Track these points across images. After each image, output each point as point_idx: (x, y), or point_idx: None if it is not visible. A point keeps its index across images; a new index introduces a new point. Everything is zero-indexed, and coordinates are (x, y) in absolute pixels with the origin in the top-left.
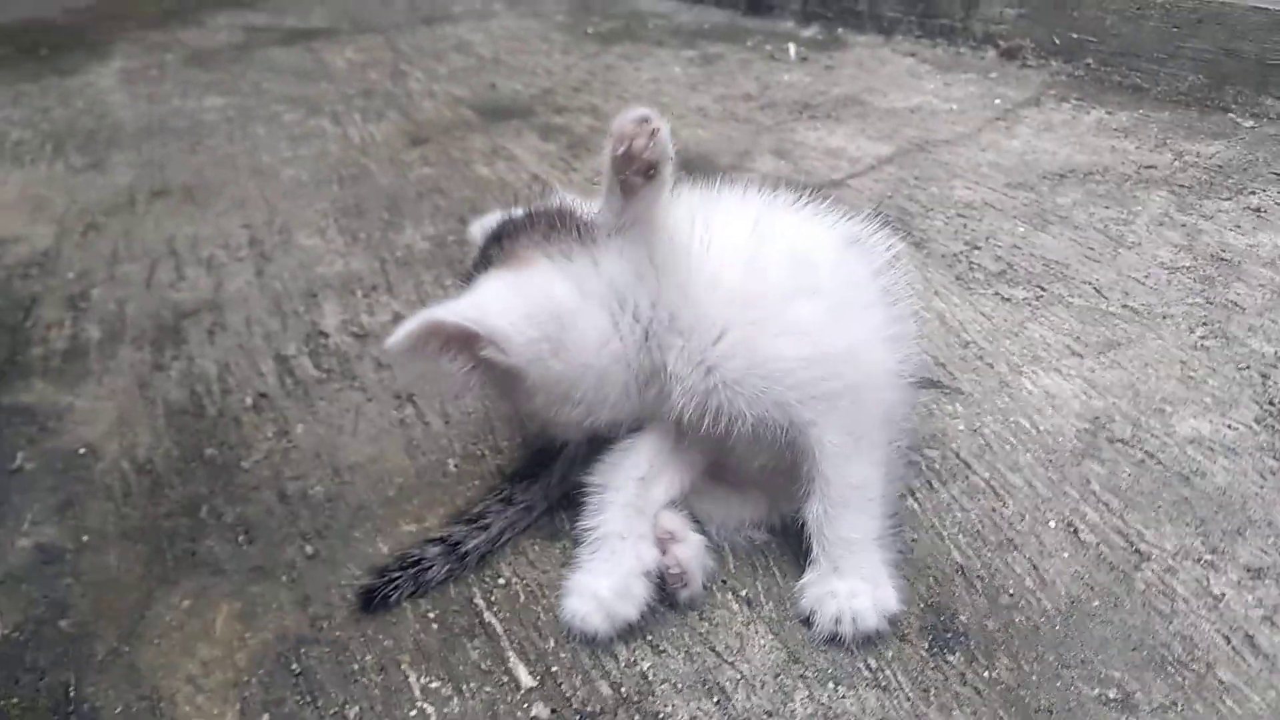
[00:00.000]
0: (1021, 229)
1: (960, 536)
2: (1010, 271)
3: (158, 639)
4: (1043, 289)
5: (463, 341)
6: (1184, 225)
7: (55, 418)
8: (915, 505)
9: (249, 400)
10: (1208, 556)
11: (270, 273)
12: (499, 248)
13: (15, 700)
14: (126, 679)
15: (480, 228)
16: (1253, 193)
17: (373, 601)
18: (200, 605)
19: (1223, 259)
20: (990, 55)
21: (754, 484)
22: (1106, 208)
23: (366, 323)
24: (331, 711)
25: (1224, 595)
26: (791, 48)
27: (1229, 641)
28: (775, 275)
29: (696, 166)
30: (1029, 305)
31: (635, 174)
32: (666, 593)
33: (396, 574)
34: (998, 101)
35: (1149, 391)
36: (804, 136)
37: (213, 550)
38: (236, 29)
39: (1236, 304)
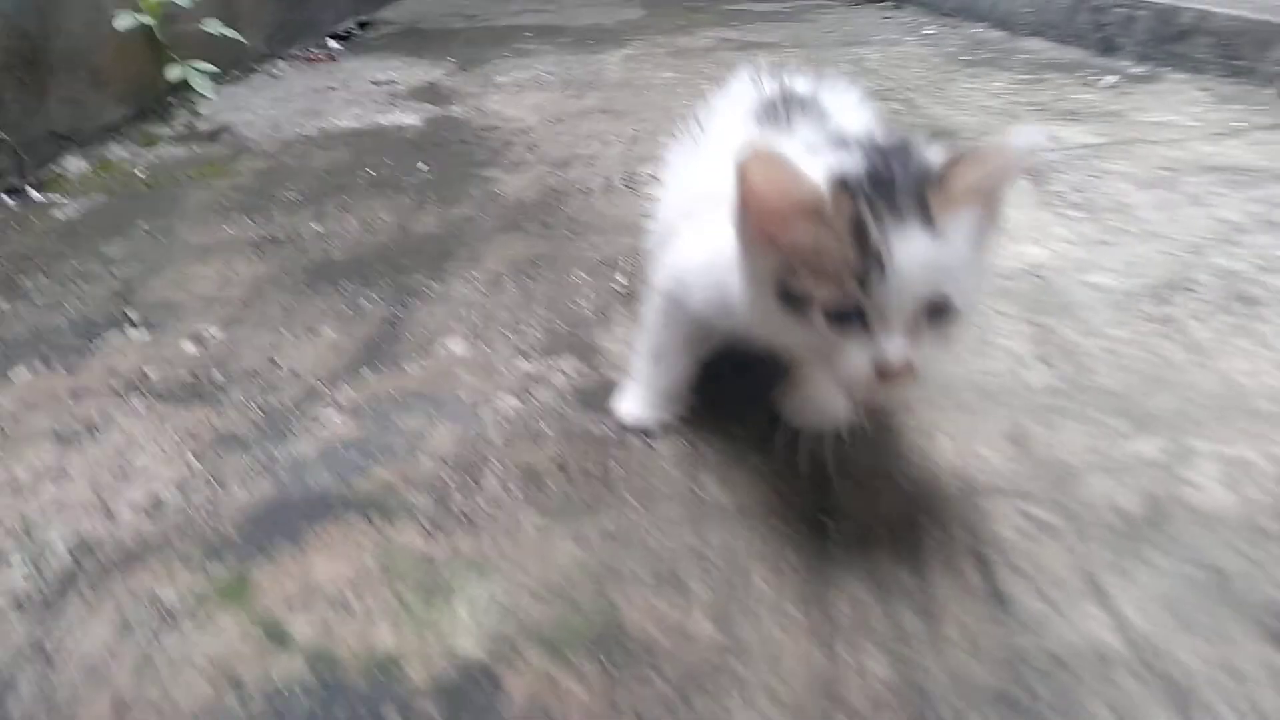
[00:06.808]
0: (1124, 186)
1: None
2: (1078, 197)
3: None
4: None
5: None
6: None
7: (493, 183)
8: None
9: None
10: None
11: (632, 151)
12: None
13: None
14: None
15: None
16: None
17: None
18: None
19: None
20: (1270, 92)
21: None
22: (1221, 193)
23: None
24: None
25: None
26: (1107, 78)
27: None
28: None
29: (944, 136)
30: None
31: None
32: None
33: None
34: (1237, 124)
35: None
36: (1041, 126)
37: None
38: (712, 39)
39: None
